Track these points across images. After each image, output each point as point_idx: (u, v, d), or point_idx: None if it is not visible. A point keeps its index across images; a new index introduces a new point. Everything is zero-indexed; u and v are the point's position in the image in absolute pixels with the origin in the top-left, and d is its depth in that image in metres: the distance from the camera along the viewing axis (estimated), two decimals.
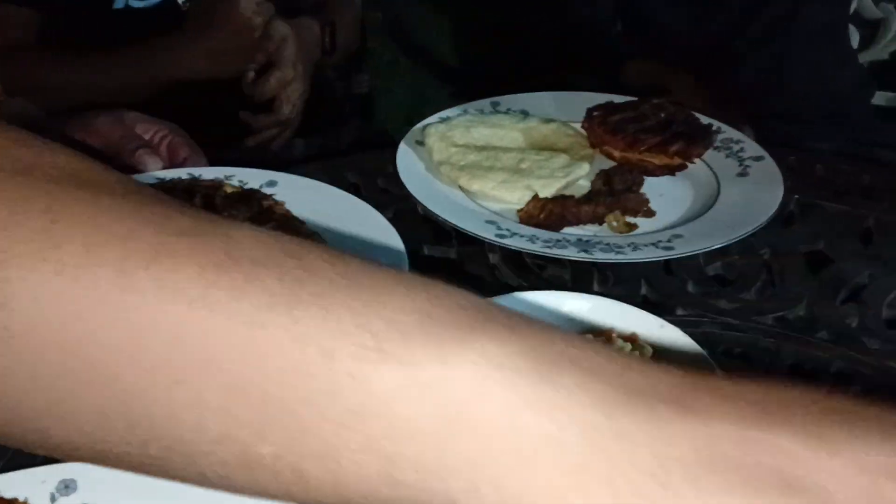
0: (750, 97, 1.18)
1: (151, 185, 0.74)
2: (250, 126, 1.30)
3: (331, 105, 1.55)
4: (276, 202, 0.78)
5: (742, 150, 0.95)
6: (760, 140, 0.96)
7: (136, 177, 0.84)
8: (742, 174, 0.91)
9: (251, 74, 1.26)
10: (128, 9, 1.30)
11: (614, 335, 0.60)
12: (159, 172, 0.86)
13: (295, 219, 0.77)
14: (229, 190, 0.79)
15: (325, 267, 0.30)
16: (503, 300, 0.62)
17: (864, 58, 1.39)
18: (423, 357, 0.28)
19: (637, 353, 0.58)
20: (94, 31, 1.28)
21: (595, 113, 0.96)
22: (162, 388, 0.29)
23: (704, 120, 0.97)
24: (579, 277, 0.78)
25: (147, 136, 0.92)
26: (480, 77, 1.04)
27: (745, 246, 0.82)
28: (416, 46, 1.76)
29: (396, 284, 0.30)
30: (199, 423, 0.29)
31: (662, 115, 0.95)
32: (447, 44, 1.74)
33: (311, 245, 0.32)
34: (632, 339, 0.60)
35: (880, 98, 1.38)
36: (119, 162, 0.90)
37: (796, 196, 0.91)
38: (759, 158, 0.93)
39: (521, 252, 0.78)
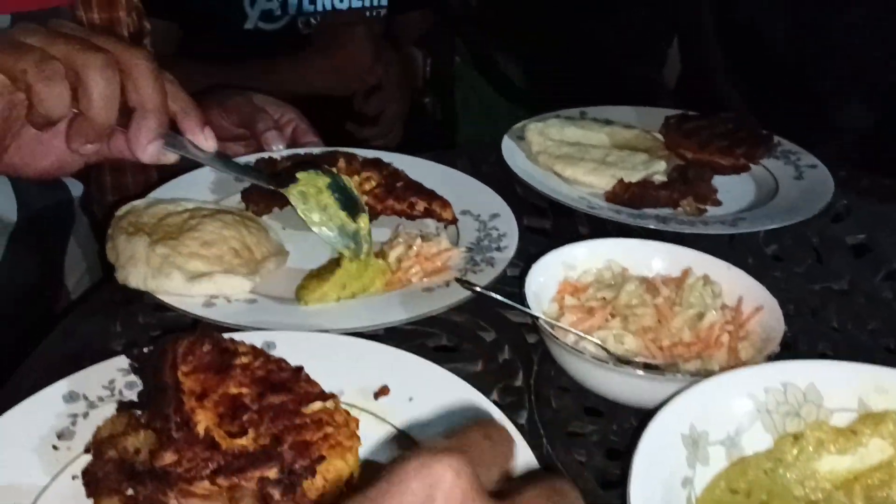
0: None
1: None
2: (354, 136, 1.50)
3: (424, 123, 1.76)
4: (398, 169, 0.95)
5: (799, 159, 1.09)
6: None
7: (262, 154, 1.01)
8: (798, 178, 1.06)
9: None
10: (257, 29, 1.51)
11: (689, 272, 0.75)
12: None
13: (417, 183, 0.93)
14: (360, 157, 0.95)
15: None
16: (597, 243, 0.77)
17: None
18: None
19: (709, 287, 0.73)
20: (227, 47, 1.49)
21: (672, 120, 1.12)
22: None
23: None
24: None
25: (276, 117, 1.09)
26: (547, 100, 1.23)
27: (798, 234, 0.96)
28: (497, 74, 1.98)
29: None
30: None
31: (729, 125, 1.10)
32: (520, 70, 1.97)
33: None
34: (704, 278, 0.74)
35: None
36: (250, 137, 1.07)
37: (844, 201, 1.05)
38: (813, 167, 1.07)
39: (606, 226, 0.93)
